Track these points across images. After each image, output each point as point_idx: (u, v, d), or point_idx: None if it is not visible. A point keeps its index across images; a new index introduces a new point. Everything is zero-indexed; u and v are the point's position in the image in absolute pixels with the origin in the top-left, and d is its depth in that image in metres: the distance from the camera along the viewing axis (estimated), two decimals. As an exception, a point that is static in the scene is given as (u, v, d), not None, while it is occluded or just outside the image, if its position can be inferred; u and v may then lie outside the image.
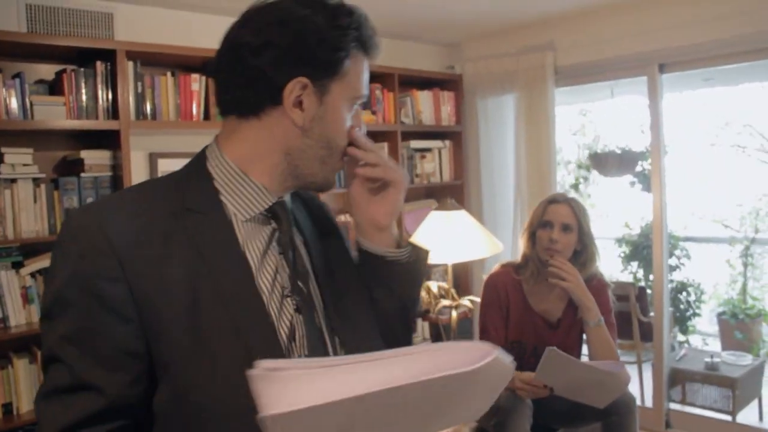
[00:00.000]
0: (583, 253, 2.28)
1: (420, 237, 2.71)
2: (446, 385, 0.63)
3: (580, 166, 5.78)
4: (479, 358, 0.63)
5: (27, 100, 2.30)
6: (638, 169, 4.29)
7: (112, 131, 2.48)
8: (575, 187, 5.73)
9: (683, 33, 3.05)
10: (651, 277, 4.11)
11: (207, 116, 2.77)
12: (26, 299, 2.36)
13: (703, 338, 4.89)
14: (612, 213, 5.68)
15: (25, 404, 2.31)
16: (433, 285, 3.18)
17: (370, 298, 0.97)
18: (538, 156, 3.57)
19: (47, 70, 2.52)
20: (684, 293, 4.68)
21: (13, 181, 2.31)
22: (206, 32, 2.57)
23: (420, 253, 0.99)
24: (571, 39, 3.47)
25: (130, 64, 2.52)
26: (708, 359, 3.46)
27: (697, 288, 4.71)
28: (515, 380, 2.12)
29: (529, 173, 3.62)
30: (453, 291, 2.97)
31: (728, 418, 3.30)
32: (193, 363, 0.77)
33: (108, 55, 2.46)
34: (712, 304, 4.94)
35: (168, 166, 2.75)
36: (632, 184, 5.01)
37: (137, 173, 2.62)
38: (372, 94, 3.38)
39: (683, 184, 5.08)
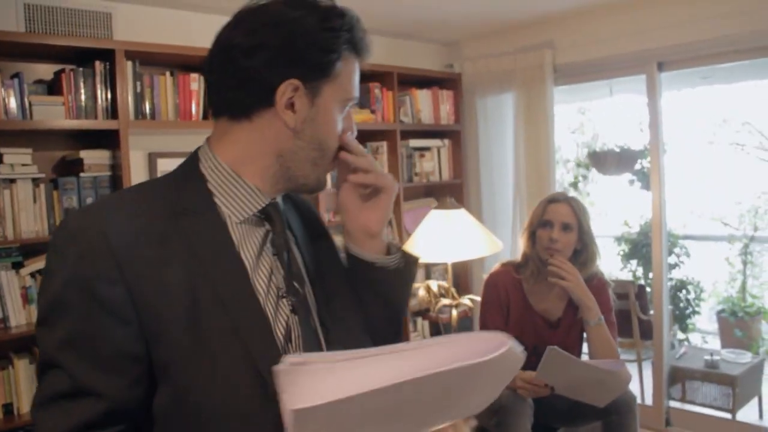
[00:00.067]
0: (583, 252, 2.28)
1: (419, 236, 2.71)
2: (464, 375, 0.64)
3: (579, 165, 5.78)
4: (495, 347, 0.64)
5: (26, 100, 2.29)
6: (637, 167, 4.29)
7: (111, 131, 2.47)
8: (574, 185, 5.73)
9: (681, 31, 3.05)
10: (650, 275, 4.12)
11: (206, 116, 2.75)
12: (26, 299, 2.35)
13: (703, 336, 4.89)
14: (611, 211, 5.68)
15: (25, 404, 2.30)
16: (433, 284, 3.18)
17: (359, 301, 0.97)
18: (537, 154, 3.57)
19: (46, 70, 2.51)
20: (683, 291, 4.68)
21: (13, 181, 2.31)
22: (205, 32, 2.52)
23: (409, 260, 0.99)
24: (570, 38, 3.47)
25: (129, 63, 2.52)
26: (708, 357, 3.47)
27: (696, 286, 4.72)
28: (516, 379, 2.12)
29: (528, 172, 3.62)
30: (453, 290, 2.97)
31: (728, 415, 3.30)
32: (193, 363, 0.77)
33: (107, 55, 2.46)
34: (712, 302, 4.95)
35: (167, 166, 2.74)
36: (631, 182, 5.02)
37: (136, 173, 2.62)
38: (371, 93, 3.38)
39: (682, 182, 5.07)
